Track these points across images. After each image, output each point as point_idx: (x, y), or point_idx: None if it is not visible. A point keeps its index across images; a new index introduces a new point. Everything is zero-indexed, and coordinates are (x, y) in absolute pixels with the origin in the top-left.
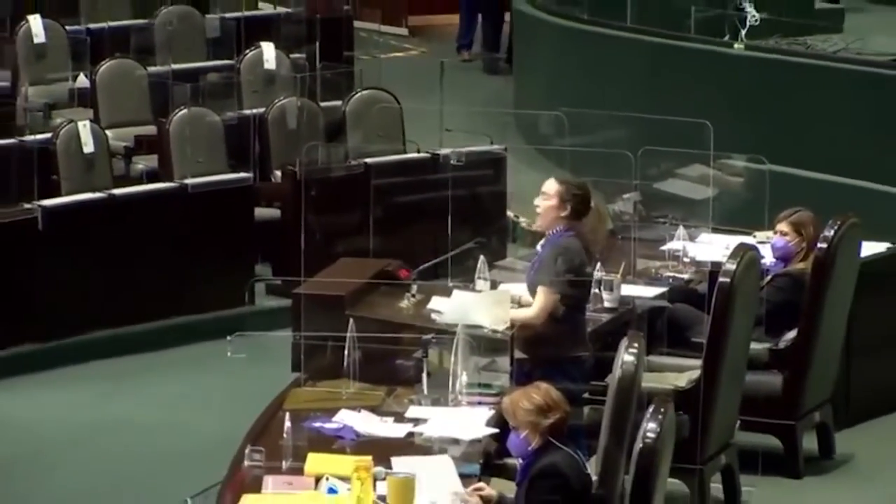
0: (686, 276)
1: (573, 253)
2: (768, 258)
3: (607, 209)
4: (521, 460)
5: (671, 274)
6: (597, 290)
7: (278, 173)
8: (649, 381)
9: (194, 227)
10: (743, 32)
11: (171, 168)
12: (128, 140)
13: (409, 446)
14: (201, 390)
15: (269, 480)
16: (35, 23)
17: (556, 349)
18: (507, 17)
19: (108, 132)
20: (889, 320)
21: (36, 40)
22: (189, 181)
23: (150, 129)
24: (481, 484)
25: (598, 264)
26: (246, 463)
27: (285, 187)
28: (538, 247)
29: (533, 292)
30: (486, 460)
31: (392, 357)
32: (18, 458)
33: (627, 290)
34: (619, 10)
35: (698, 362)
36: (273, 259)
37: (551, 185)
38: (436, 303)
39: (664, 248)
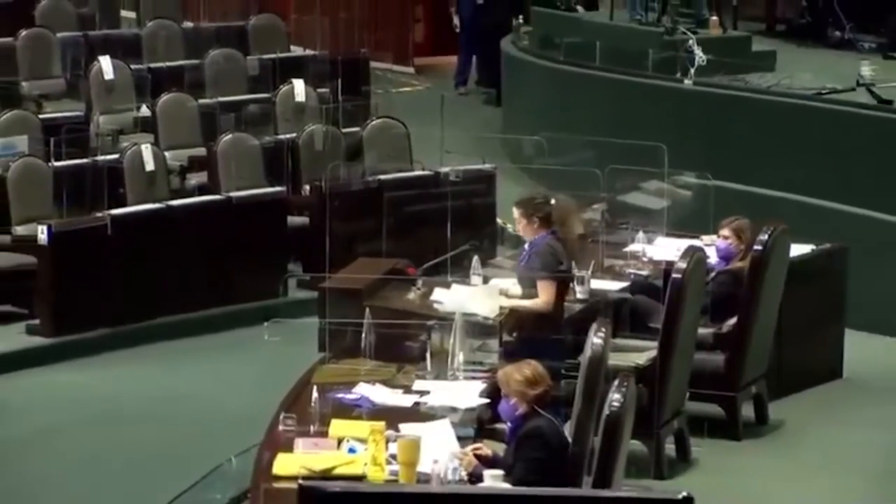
0: (645, 273)
1: (557, 252)
2: (713, 258)
3: (572, 207)
4: (509, 424)
5: (633, 271)
6: (571, 284)
7: (307, 187)
8: (614, 360)
9: (237, 232)
10: (692, 71)
11: (219, 183)
12: (182, 160)
13: (415, 413)
14: (243, 368)
15: (299, 442)
16: (105, 63)
17: (538, 332)
18: None
19: (166, 153)
20: (813, 309)
21: (106, 77)
22: (233, 194)
23: (201, 151)
24: (477, 443)
25: (573, 263)
26: (280, 427)
27: (313, 199)
28: (525, 245)
29: (523, 283)
30: (480, 425)
31: (401, 340)
32: (95, 422)
33: (596, 284)
34: (589, 53)
35: (655, 344)
36: (303, 258)
37: (515, 211)
38: (437, 295)
39: (627, 249)
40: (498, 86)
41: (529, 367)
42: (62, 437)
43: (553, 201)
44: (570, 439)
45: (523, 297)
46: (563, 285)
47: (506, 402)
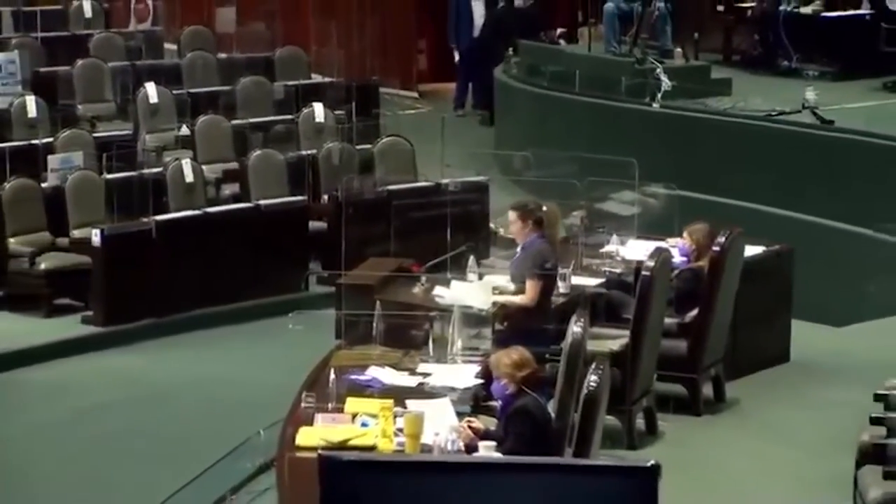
0: (619, 271)
1: (545, 254)
2: (677, 257)
3: (558, 213)
4: (500, 402)
5: (608, 269)
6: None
7: (325, 197)
8: (592, 346)
9: (265, 235)
10: (659, 95)
11: (249, 193)
12: (218, 172)
13: (419, 392)
14: (270, 353)
15: (318, 417)
16: (150, 88)
17: (526, 322)
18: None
19: (203, 167)
20: (764, 302)
21: (151, 101)
22: (262, 202)
23: (234, 165)
24: (473, 419)
25: (558, 262)
26: (302, 405)
27: (331, 207)
28: (518, 249)
29: (515, 280)
30: (475, 403)
31: (407, 328)
32: (141, 400)
33: (576, 280)
34: (570, 80)
35: (627, 332)
36: (322, 258)
37: (511, 215)
38: (438, 290)
39: (603, 250)
40: (491, 108)
41: (517, 353)
42: (112, 413)
43: (544, 208)
44: (553, 415)
45: (514, 292)
46: (549, 282)
47: (497, 383)
